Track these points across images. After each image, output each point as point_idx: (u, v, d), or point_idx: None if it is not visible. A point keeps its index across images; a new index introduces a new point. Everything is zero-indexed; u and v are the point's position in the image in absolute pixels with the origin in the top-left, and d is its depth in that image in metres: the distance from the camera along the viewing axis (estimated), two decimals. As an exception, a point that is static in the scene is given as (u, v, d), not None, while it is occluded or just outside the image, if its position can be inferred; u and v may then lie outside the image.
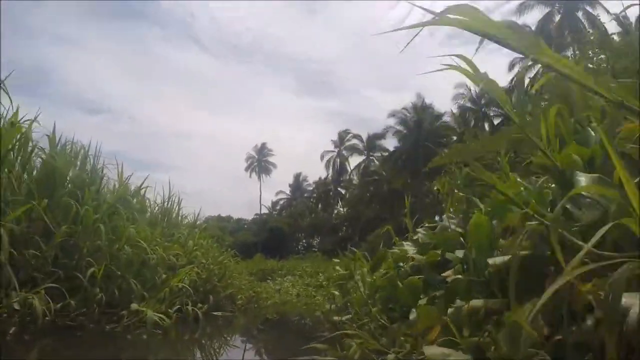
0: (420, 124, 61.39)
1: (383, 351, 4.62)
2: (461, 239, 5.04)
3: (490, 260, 3.34)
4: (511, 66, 55.63)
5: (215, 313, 10.61)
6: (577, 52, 34.71)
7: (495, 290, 3.53)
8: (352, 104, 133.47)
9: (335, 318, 8.35)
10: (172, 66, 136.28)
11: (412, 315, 4.45)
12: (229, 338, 8.68)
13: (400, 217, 62.69)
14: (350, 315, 7.99)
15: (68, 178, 9.01)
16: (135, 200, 11.16)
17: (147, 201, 12.33)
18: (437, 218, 7.81)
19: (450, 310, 3.56)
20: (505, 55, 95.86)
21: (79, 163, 9.64)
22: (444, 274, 4.66)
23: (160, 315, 7.86)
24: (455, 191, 6.56)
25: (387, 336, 5.06)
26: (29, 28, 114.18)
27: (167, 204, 13.54)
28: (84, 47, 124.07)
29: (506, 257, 3.31)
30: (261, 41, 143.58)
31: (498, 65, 62.22)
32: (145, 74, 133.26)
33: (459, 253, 4.67)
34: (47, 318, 6.75)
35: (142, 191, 11.71)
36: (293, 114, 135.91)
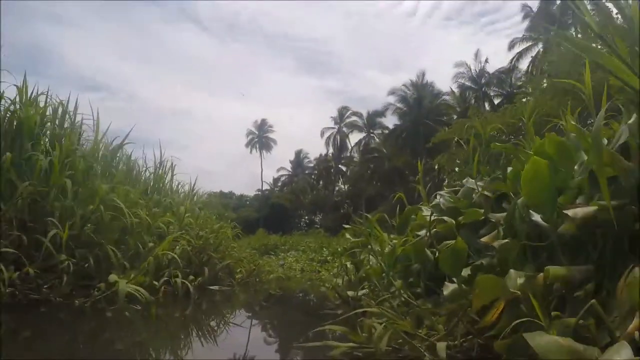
0: (420, 101, 60.87)
1: (415, 335, 3.68)
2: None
3: (570, 212, 2.77)
4: (511, 46, 55.05)
5: (211, 287, 9.32)
6: (579, 33, 33.56)
7: (560, 255, 3.04)
8: (351, 84, 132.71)
9: (349, 293, 7.09)
10: (170, 45, 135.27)
11: (447, 290, 3.79)
12: (223, 317, 7.30)
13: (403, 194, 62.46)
14: (366, 291, 6.76)
15: (42, 134, 7.79)
16: (118, 158, 9.89)
17: (136, 165, 11.03)
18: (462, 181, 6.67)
19: (519, 280, 2.86)
20: (505, 37, 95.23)
21: (55, 119, 8.35)
22: (482, 240, 4.03)
23: (139, 288, 6.58)
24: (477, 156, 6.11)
25: (411, 316, 4.24)
26: (27, 7, 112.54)
27: (159, 170, 12.24)
28: (82, 27, 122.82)
29: (591, 208, 2.75)
30: (259, 20, 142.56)
31: (497, 47, 61.53)
32: (144, 53, 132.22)
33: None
34: (6, 290, 5.54)
35: (126, 150, 10.37)
36: (292, 93, 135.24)
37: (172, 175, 12.95)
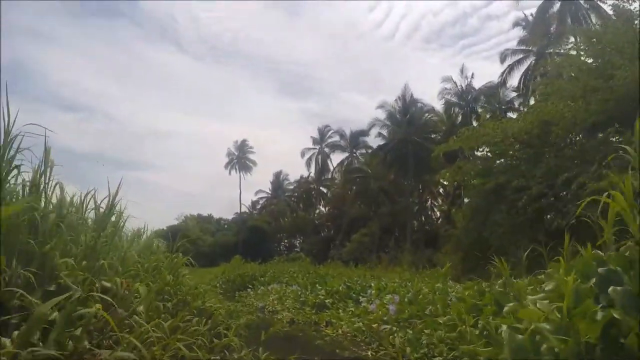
0: (408, 118, 55.97)
1: None
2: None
3: None
4: (503, 58, 51.77)
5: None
6: (579, 41, 29.68)
7: None
8: (331, 106, 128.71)
9: None
10: (151, 66, 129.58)
11: None
12: None
13: (385, 217, 57.37)
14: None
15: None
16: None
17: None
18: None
19: None
20: (484, 58, 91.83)
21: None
22: None
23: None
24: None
25: None
26: (5, 24, 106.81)
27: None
28: (61, 45, 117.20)
29: None
30: (240, 43, 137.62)
31: (475, 69, 58.01)
32: (123, 73, 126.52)
33: None
34: None
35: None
36: (272, 115, 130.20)
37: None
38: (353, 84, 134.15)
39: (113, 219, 7.86)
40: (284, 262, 39.71)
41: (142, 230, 10.54)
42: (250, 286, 21.56)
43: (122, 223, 7.76)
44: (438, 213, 68.27)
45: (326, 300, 12.55)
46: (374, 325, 9.01)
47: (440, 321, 7.43)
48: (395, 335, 7.73)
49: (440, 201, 66.90)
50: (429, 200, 66.29)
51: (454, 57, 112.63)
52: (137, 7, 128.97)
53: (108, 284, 5.48)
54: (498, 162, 26.98)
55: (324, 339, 9.36)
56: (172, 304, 7.50)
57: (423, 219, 62.80)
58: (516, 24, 51.53)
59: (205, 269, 42.09)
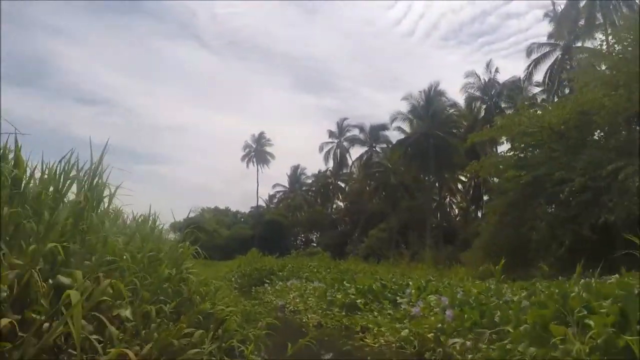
0: (431, 111, 53.80)
1: None
2: None
3: None
4: (529, 52, 49.72)
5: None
6: (609, 34, 27.92)
7: None
8: (349, 103, 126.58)
9: None
10: (169, 60, 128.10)
11: None
12: None
13: (404, 212, 55.44)
14: None
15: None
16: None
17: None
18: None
19: None
20: (503, 57, 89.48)
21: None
22: None
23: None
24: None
25: None
26: (27, 20, 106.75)
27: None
28: (81, 41, 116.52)
29: None
30: (259, 38, 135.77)
31: (498, 66, 56.16)
32: (143, 68, 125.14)
33: None
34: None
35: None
36: (289, 110, 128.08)
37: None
38: (370, 80, 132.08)
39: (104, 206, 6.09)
40: (303, 257, 37.83)
41: (147, 217, 8.73)
42: (267, 281, 19.78)
43: (107, 199, 5.94)
44: (456, 210, 66.44)
45: (357, 301, 10.62)
46: (429, 335, 7.08)
47: (523, 332, 5.59)
48: (469, 349, 5.82)
49: (459, 198, 64.97)
50: (448, 197, 64.25)
51: (472, 55, 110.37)
52: (157, 4, 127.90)
53: (66, 280, 3.67)
54: (532, 153, 25.01)
55: (363, 349, 7.47)
56: (172, 307, 5.68)
57: (440, 215, 60.70)
58: (546, 14, 49.13)
59: (221, 262, 40.41)
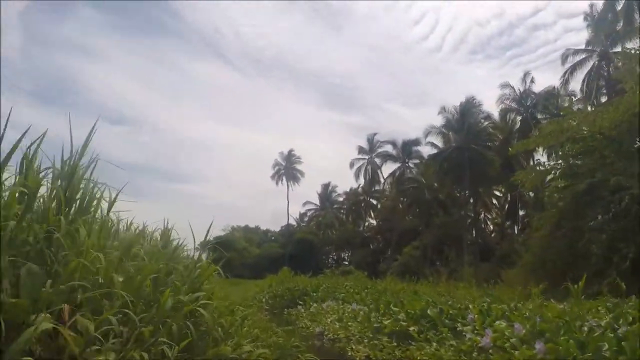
0: (466, 124, 52.18)
1: None
2: None
3: None
4: (564, 59, 48.22)
5: None
6: None
7: None
8: (376, 119, 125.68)
9: None
10: (196, 79, 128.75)
11: None
12: None
13: (438, 229, 53.55)
14: None
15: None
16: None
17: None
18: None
19: None
20: (532, 69, 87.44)
21: None
22: None
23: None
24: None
25: None
26: (55, 40, 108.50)
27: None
28: (108, 59, 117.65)
29: None
30: (284, 56, 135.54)
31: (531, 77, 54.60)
32: (169, 87, 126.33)
33: None
34: None
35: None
36: (316, 127, 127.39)
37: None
38: (397, 96, 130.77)
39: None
40: (337, 276, 36.11)
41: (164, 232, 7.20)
42: (300, 302, 18.04)
43: (95, 196, 4.42)
44: (491, 226, 64.34)
45: (410, 328, 8.91)
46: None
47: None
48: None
49: (494, 214, 62.93)
50: (482, 212, 62.18)
51: (500, 68, 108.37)
52: (182, 23, 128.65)
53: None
54: (581, 161, 23.09)
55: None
56: (181, 349, 4.08)
57: (475, 232, 58.64)
58: (585, 18, 47.23)
59: (251, 280, 38.89)
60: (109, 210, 5.13)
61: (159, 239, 7.27)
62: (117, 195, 5.16)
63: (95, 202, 4.58)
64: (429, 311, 9.61)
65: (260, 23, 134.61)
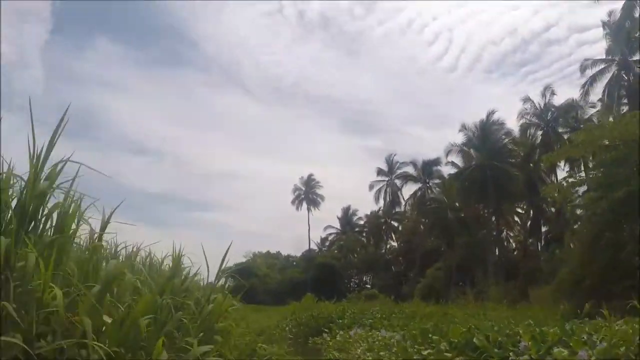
0: (488, 141, 51.15)
1: None
2: None
3: None
4: (583, 69, 46.75)
5: None
6: None
7: None
8: (395, 142, 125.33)
9: None
10: (216, 109, 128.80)
11: None
12: None
13: (461, 249, 52.09)
14: None
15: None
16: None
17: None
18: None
19: None
20: (548, 84, 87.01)
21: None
22: None
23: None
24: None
25: None
26: (76, 74, 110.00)
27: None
28: (129, 92, 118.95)
29: None
30: (302, 83, 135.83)
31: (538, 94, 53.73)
32: (190, 117, 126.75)
33: None
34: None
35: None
36: (336, 153, 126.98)
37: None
38: (415, 119, 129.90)
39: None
40: (361, 301, 34.86)
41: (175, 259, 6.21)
42: (326, 330, 16.93)
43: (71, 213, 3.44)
44: (513, 244, 62.61)
45: (456, 359, 7.76)
46: None
47: None
48: None
49: (515, 231, 61.27)
50: (504, 230, 60.55)
51: (516, 85, 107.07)
52: (200, 53, 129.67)
53: None
54: (614, 169, 21.80)
55: None
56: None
57: (498, 251, 56.95)
58: (604, 26, 45.95)
59: (273, 307, 37.73)
60: (101, 233, 4.18)
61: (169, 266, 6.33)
62: (110, 214, 4.21)
63: (74, 221, 3.60)
64: (475, 339, 8.44)
65: (278, 51, 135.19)
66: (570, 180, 23.24)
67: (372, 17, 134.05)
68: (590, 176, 22.90)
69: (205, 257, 7.22)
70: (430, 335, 9.85)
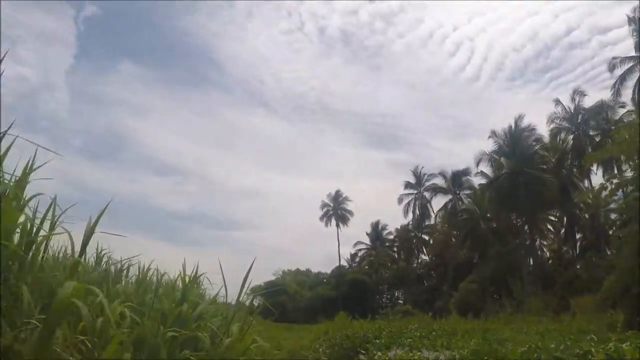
0: (518, 148, 49.60)
1: None
2: None
3: None
4: (612, 67, 44.84)
5: None
6: None
7: None
8: (420, 155, 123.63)
9: None
10: (240, 128, 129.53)
11: None
12: None
13: (494, 259, 50.36)
14: None
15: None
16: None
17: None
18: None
19: None
20: (573, 89, 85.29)
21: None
22: None
23: None
24: None
25: None
26: (101, 96, 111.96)
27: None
28: (154, 113, 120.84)
29: None
30: (325, 99, 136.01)
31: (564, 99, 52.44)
32: (214, 137, 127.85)
33: None
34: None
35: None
36: (361, 167, 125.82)
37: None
38: (440, 130, 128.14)
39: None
40: (396, 318, 33.53)
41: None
42: (362, 351, 15.84)
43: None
44: (547, 253, 60.55)
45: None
46: None
47: None
48: None
49: (549, 240, 59.18)
50: (538, 239, 58.52)
51: (540, 92, 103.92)
52: (223, 73, 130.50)
53: None
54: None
55: None
56: None
57: (531, 260, 54.91)
58: (629, 22, 44.21)
59: (304, 326, 36.61)
60: (84, 245, 3.34)
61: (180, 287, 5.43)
62: (95, 222, 3.37)
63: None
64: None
65: (300, 68, 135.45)
66: (615, 181, 21.72)
67: (392, 31, 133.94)
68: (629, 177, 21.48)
69: (224, 278, 6.37)
70: (485, 359, 8.76)
